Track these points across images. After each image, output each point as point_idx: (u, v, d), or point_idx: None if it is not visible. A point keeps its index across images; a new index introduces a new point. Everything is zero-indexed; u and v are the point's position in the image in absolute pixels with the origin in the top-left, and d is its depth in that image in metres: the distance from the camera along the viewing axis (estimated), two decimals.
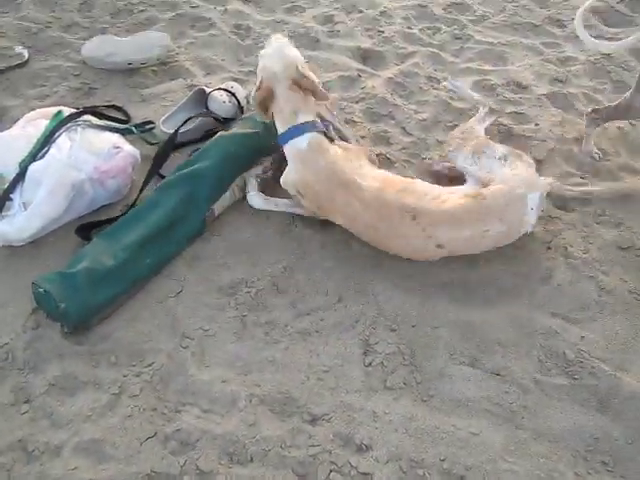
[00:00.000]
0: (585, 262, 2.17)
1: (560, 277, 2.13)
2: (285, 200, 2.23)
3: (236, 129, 2.31)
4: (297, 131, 2.07)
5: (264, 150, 2.30)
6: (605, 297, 2.09)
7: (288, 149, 2.10)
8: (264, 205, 2.24)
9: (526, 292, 2.10)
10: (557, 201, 2.31)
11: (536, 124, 2.59)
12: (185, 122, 2.36)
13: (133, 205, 2.16)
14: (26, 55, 2.78)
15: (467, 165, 2.16)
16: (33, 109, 2.35)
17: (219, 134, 2.29)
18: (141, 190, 2.21)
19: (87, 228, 2.13)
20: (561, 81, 2.80)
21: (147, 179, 2.23)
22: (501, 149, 2.16)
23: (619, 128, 2.61)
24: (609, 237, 2.24)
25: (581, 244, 2.23)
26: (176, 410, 1.75)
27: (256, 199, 2.24)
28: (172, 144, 2.32)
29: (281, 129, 2.10)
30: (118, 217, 2.12)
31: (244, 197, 2.26)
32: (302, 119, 2.08)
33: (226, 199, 2.22)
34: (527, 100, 2.66)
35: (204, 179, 2.16)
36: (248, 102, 2.54)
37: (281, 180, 2.14)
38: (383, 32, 2.93)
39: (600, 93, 2.77)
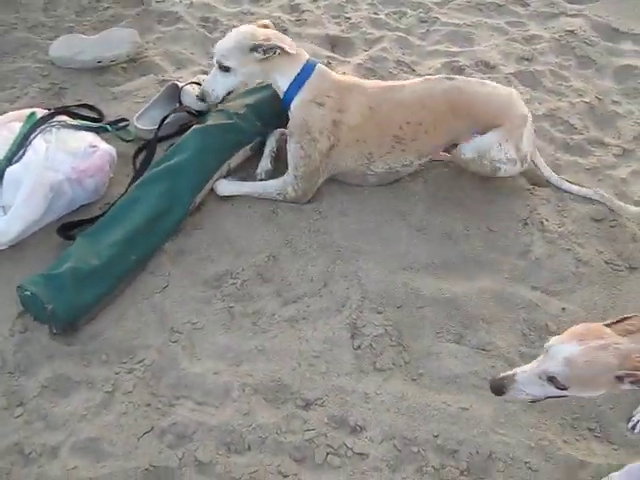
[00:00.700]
0: (561, 235, 2.21)
1: (538, 251, 2.17)
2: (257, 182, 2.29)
3: (210, 121, 2.31)
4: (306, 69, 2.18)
5: (242, 140, 2.32)
6: (582, 268, 2.14)
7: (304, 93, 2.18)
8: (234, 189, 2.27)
9: (506, 267, 2.14)
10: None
11: None
12: (162, 123, 2.36)
13: (114, 203, 2.16)
14: None
15: None
16: (5, 112, 2.33)
17: (194, 127, 2.29)
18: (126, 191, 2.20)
19: (68, 228, 2.12)
20: (527, 59, 2.83)
21: (132, 182, 2.22)
22: None
23: (586, 102, 2.65)
24: (583, 210, 2.28)
25: (556, 218, 2.27)
26: (170, 404, 1.76)
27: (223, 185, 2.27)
28: (155, 145, 2.33)
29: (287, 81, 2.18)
30: (99, 216, 2.12)
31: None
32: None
33: (207, 189, 2.23)
34: (495, 79, 2.68)
35: (183, 172, 2.17)
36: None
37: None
38: (350, 18, 2.94)
39: (566, 69, 2.81)
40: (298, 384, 1.81)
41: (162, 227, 2.12)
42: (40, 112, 2.26)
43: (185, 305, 1.99)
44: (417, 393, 1.81)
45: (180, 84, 2.49)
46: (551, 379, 1.42)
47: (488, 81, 2.35)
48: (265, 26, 2.22)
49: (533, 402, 1.52)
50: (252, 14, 2.97)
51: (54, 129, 2.21)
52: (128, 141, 2.40)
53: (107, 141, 2.30)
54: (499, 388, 1.48)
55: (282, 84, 2.20)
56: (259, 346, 1.90)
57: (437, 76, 2.28)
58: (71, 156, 2.16)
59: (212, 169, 2.24)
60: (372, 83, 2.30)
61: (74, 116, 2.36)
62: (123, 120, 2.46)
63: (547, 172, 2.34)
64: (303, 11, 2.99)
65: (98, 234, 2.05)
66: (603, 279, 2.12)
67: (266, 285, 2.05)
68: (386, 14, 2.99)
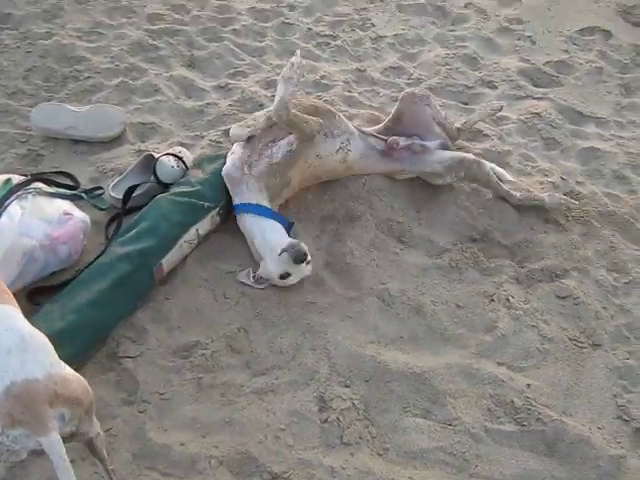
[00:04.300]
0: (526, 312, 2.26)
1: (504, 327, 2.21)
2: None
3: (174, 189, 2.37)
4: None
5: (206, 204, 2.35)
6: (547, 345, 2.18)
7: None
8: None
9: (473, 342, 2.18)
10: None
11: None
12: (129, 193, 2.40)
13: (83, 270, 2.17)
14: None
15: None
16: None
17: (158, 196, 2.34)
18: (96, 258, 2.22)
19: (38, 294, 2.13)
20: (498, 139, 2.93)
21: (105, 249, 2.25)
22: None
23: (551, 182, 2.74)
24: (548, 288, 2.34)
25: (522, 295, 2.32)
26: (136, 475, 1.75)
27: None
28: (122, 215, 2.37)
29: None
30: (69, 281, 2.13)
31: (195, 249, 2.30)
32: None
33: (174, 255, 2.25)
34: None
35: (146, 236, 2.20)
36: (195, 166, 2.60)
37: None
38: (324, 96, 3.03)
39: (532, 150, 2.91)
40: (265, 457, 1.81)
41: (128, 291, 2.13)
42: (16, 178, 2.28)
43: (154, 375, 1.99)
44: (383, 468, 1.82)
45: (156, 155, 2.54)
46: None
47: None
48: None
49: None
50: (230, 89, 3.05)
51: (30, 196, 2.23)
52: (103, 209, 2.42)
53: (82, 209, 2.32)
54: None
55: None
56: (226, 418, 1.90)
57: None
58: (45, 223, 2.19)
59: (176, 233, 2.26)
60: None
61: (50, 183, 2.39)
62: (98, 188, 2.49)
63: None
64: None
65: (64, 299, 2.06)
66: (567, 356, 2.17)
67: (236, 356, 2.06)
68: (359, 92, 3.09)
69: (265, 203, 2.29)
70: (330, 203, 2.52)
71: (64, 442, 1.37)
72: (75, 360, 1.95)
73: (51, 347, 1.48)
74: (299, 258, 2.13)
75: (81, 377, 1.52)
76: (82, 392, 1.47)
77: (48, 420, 1.35)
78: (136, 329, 2.10)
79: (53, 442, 1.34)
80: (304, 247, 2.15)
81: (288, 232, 2.29)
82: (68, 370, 1.49)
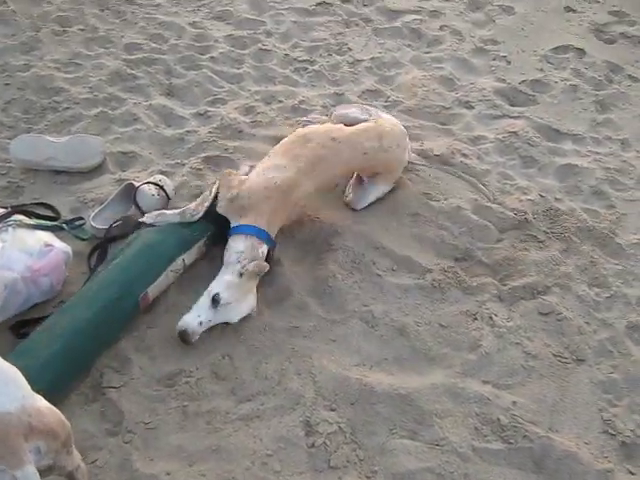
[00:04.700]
0: (510, 329, 2.28)
1: (488, 345, 2.22)
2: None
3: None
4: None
5: (192, 234, 2.36)
6: (531, 362, 2.20)
7: None
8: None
9: (457, 361, 2.18)
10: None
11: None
12: (112, 226, 2.42)
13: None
14: None
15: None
16: None
17: (142, 229, 2.36)
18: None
19: (21, 326, 2.12)
20: (476, 158, 2.96)
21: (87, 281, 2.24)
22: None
23: (530, 200, 2.76)
24: (530, 305, 2.36)
25: (505, 312, 2.34)
26: None
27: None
28: (106, 245, 2.38)
29: None
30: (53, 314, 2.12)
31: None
32: None
33: (160, 283, 2.25)
34: (445, 176, 2.82)
35: (131, 265, 2.20)
36: (176, 194, 2.60)
37: None
38: (303, 120, 3.05)
39: (511, 169, 2.94)
40: None
41: (113, 318, 2.12)
42: None
43: (139, 404, 1.98)
44: None
45: (136, 184, 2.55)
46: None
47: None
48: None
49: None
50: (209, 116, 3.07)
51: (10, 228, 2.23)
52: (84, 240, 2.42)
53: (63, 240, 2.32)
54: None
55: None
56: (213, 445, 1.90)
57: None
58: (26, 255, 2.18)
59: (162, 262, 2.26)
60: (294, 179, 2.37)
61: (30, 215, 2.39)
62: (79, 219, 2.48)
63: None
64: (258, 113, 3.10)
65: (50, 327, 2.05)
66: (552, 372, 2.18)
67: (221, 383, 2.06)
68: None
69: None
70: (310, 226, 2.54)
71: (42, 475, 1.36)
72: (59, 389, 1.96)
73: (23, 379, 1.46)
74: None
75: (56, 409, 1.50)
76: (58, 424, 1.46)
77: (23, 453, 1.34)
78: (119, 359, 2.09)
79: (29, 476, 1.33)
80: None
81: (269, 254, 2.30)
82: (42, 402, 1.47)
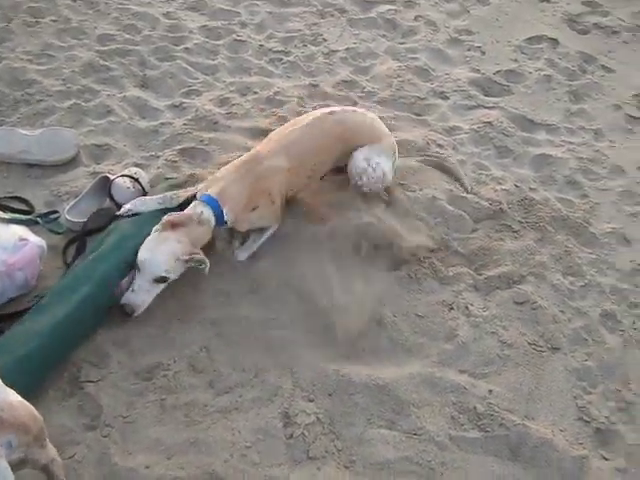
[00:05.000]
0: (486, 319, 2.30)
1: (464, 335, 2.25)
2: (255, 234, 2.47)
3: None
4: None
5: None
6: (507, 351, 2.22)
7: None
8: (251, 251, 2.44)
9: (434, 351, 2.21)
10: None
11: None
12: (89, 220, 2.41)
13: (43, 296, 2.15)
14: None
15: None
16: None
17: (119, 221, 2.35)
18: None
19: None
20: (452, 149, 2.97)
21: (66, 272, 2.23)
22: None
23: (505, 190, 2.78)
24: (506, 294, 2.38)
25: (481, 302, 2.36)
26: None
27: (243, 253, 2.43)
28: (84, 239, 2.36)
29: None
30: (28, 309, 2.11)
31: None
32: None
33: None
34: (420, 167, 2.84)
35: (107, 257, 2.20)
36: (152, 187, 2.59)
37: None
38: (278, 112, 3.05)
39: (486, 159, 2.96)
40: (231, 476, 1.82)
41: (90, 313, 2.12)
42: None
43: (117, 398, 1.98)
44: None
45: (111, 177, 2.54)
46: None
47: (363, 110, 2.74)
48: (172, 224, 2.21)
49: None
50: (184, 108, 3.05)
51: None
52: (59, 233, 2.40)
53: (37, 233, 2.30)
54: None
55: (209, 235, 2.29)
56: (191, 438, 1.90)
57: (319, 113, 2.58)
58: (1, 249, 2.17)
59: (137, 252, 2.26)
60: (268, 152, 2.43)
61: (4, 209, 2.37)
62: (54, 212, 2.47)
63: None
64: (233, 104, 3.09)
65: (27, 323, 2.04)
66: (527, 360, 2.21)
67: (199, 376, 2.06)
68: (313, 107, 3.11)
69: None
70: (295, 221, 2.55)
71: (14, 469, 1.36)
72: (36, 386, 1.95)
73: None
74: None
75: (27, 403, 1.50)
76: (29, 418, 1.46)
77: None
78: (97, 353, 2.09)
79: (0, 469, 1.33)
80: None
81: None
82: (14, 396, 1.47)
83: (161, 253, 2.15)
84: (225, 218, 2.28)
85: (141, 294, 2.15)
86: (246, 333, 2.19)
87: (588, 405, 2.11)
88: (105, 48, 3.36)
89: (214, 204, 2.26)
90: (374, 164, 2.56)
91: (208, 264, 2.20)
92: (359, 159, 2.57)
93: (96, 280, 2.14)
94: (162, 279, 2.16)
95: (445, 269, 2.46)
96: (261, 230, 2.47)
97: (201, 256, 2.19)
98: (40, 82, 3.10)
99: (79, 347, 2.08)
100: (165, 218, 2.20)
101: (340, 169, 2.66)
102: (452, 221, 2.63)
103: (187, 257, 2.16)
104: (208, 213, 2.24)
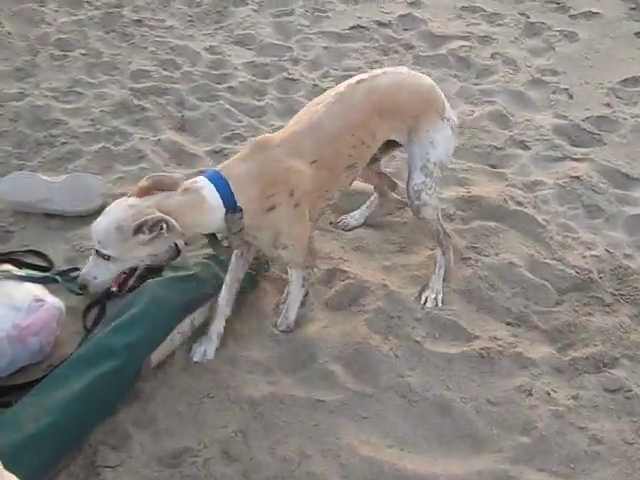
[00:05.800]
0: (571, 409, 2.25)
1: (544, 427, 2.20)
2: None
3: (167, 273, 2.40)
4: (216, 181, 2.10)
5: (204, 291, 2.39)
6: (596, 447, 2.17)
7: None
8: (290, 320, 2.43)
9: (508, 445, 2.16)
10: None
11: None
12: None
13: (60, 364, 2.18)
14: None
15: None
16: None
17: (148, 281, 2.37)
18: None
19: (5, 393, 2.13)
20: (533, 207, 2.97)
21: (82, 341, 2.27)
22: None
23: (596, 256, 2.76)
24: (594, 379, 2.34)
25: (565, 388, 2.32)
26: None
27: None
28: (105, 300, 2.41)
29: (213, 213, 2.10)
30: (41, 379, 2.14)
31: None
32: None
33: (164, 347, 2.26)
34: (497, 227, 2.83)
35: (134, 327, 2.21)
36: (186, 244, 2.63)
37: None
38: None
39: (573, 219, 2.94)
40: None
41: (111, 389, 2.13)
42: None
43: None
44: None
45: None
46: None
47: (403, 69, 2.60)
48: (146, 188, 2.07)
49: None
50: (225, 155, 3.11)
51: None
52: (79, 294, 2.44)
53: (55, 293, 2.35)
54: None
55: (210, 219, 2.10)
56: None
57: (344, 86, 2.39)
58: (14, 311, 2.21)
59: (169, 323, 2.29)
60: (289, 136, 2.25)
61: (19, 264, 2.43)
62: (74, 270, 2.52)
63: None
64: None
65: (38, 397, 2.06)
66: (620, 459, 2.15)
67: (232, 465, 2.05)
68: None
69: None
70: (337, 282, 2.57)
71: None
72: (47, 469, 1.96)
73: None
74: None
75: None
76: None
77: None
78: (117, 433, 2.10)
79: None
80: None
81: None
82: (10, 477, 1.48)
83: (99, 222, 2.03)
84: (235, 200, 2.09)
85: (93, 269, 2.07)
86: (288, 416, 2.18)
87: None
88: (139, 86, 3.46)
89: (219, 181, 2.10)
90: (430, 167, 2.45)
91: (176, 229, 1.98)
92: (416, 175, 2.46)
93: (120, 352, 2.15)
94: (102, 255, 2.03)
95: (523, 348, 2.43)
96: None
97: (160, 216, 1.96)
98: (66, 122, 3.20)
99: (96, 426, 2.09)
100: (141, 182, 2.08)
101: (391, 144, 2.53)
102: (532, 291, 2.61)
103: (135, 224, 1.96)
104: (205, 184, 2.08)
